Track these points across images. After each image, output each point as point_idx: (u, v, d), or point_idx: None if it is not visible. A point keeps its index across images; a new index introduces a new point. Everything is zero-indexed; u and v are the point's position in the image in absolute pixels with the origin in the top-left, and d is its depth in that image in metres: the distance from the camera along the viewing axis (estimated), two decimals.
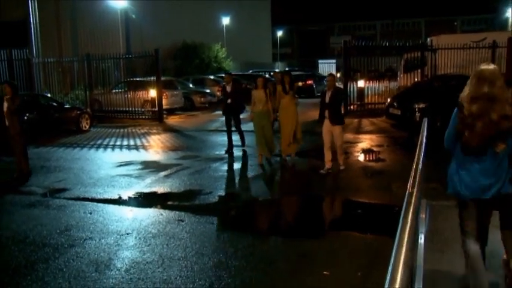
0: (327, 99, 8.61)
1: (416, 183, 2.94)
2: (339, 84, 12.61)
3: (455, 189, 3.73)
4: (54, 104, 16.07)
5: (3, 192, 8.22)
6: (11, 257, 5.22)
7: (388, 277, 1.48)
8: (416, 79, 18.83)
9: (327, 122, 8.63)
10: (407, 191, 2.57)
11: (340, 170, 8.72)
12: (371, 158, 10.35)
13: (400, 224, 1.96)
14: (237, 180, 8.45)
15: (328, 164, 8.69)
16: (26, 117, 9.94)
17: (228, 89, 11.08)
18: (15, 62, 20.58)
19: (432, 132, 6.64)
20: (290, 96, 9.81)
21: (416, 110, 13.33)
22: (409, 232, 1.86)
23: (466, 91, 3.59)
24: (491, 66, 3.57)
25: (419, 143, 4.99)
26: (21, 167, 9.13)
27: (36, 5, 23.88)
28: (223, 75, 11.68)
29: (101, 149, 12.49)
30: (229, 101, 10.95)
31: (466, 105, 3.53)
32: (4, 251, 5.45)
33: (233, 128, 11.17)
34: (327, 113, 8.62)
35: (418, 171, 3.33)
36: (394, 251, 1.67)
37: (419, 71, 19.01)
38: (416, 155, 4.00)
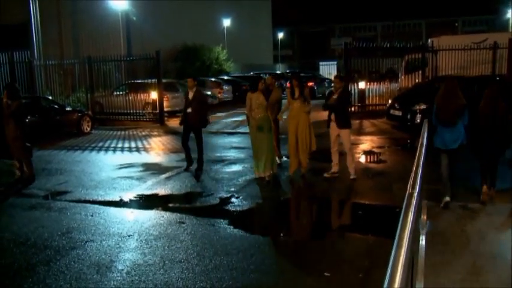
0: (334, 101, 8.39)
1: (417, 185, 2.95)
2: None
3: (438, 144, 6.63)
4: (56, 106, 16.08)
5: (5, 195, 8.25)
6: (12, 259, 5.24)
7: (387, 277, 1.49)
8: (417, 80, 18.84)
9: (333, 125, 8.43)
10: (407, 192, 2.58)
11: (351, 178, 8.38)
12: (372, 160, 10.35)
13: (400, 225, 1.97)
14: (238, 182, 8.44)
15: (334, 168, 8.63)
16: (27, 120, 9.90)
17: (190, 95, 9.46)
18: (17, 65, 20.67)
19: (433, 133, 6.65)
20: (300, 101, 8.46)
21: (418, 111, 13.33)
22: (408, 233, 1.87)
23: (440, 91, 6.76)
24: (452, 80, 6.85)
25: (419, 144, 4.99)
26: (23, 171, 9.13)
27: (37, 7, 23.95)
28: (188, 79, 9.78)
29: (102, 152, 12.50)
30: (189, 109, 9.39)
31: (441, 101, 6.61)
32: (6, 253, 5.46)
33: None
34: (333, 116, 8.44)
35: (419, 172, 3.34)
36: (393, 251, 1.68)
37: (420, 72, 19.02)
38: (417, 156, 4.01)
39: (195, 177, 9.07)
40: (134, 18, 27.47)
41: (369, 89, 19.56)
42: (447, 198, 6.48)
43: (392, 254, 1.65)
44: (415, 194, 2.58)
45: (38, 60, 21.67)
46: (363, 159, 10.40)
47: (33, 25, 23.87)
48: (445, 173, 6.62)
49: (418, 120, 12.74)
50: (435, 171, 6.58)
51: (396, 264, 1.56)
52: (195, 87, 9.51)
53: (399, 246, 1.71)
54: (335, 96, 8.42)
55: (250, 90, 8.78)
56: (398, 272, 1.51)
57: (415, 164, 3.73)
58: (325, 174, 8.60)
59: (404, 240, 1.78)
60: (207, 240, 5.65)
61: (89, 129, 16.35)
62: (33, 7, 23.96)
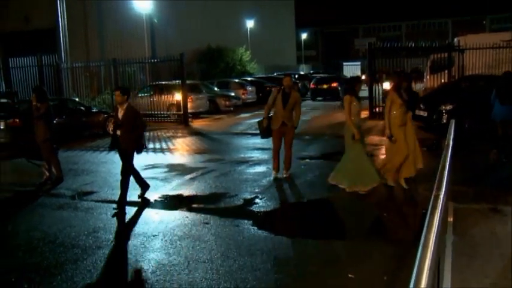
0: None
1: (443, 186, 2.91)
2: (364, 86, 12.34)
3: (495, 117, 9.50)
4: (82, 108, 16.36)
5: (35, 195, 8.43)
6: (42, 257, 5.36)
7: (412, 279, 1.47)
8: (443, 80, 18.53)
9: None
10: (432, 194, 2.55)
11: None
12: None
13: (425, 227, 1.95)
14: (262, 183, 8.45)
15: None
16: (54, 122, 10.09)
17: (120, 112, 7.40)
18: (45, 68, 21.17)
19: (460, 134, 6.55)
20: (405, 106, 7.61)
21: (444, 111, 13.11)
22: (435, 235, 1.85)
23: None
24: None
25: (446, 145, 4.92)
26: (51, 171, 9.30)
27: (65, 12, 24.46)
28: (115, 91, 7.70)
29: None
30: (118, 132, 7.42)
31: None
32: (36, 251, 5.59)
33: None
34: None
35: (445, 174, 3.29)
36: (419, 253, 1.66)
37: (446, 71, 18.71)
38: (443, 158, 3.95)
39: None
40: (155, 20, 27.66)
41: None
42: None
43: (418, 256, 1.63)
44: (441, 196, 2.55)
45: (65, 63, 22.13)
46: None
47: (60, 29, 24.39)
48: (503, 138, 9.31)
49: (445, 121, 12.53)
50: (461, 173, 6.49)
51: (422, 265, 1.55)
52: (125, 102, 7.45)
53: (425, 248, 1.70)
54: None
55: (349, 93, 7.70)
56: (424, 273, 1.49)
57: (440, 165, 3.68)
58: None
59: (430, 242, 1.76)
60: (231, 240, 5.67)
61: None
62: (61, 12, 24.47)
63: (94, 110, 16.86)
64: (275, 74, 34.78)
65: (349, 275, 4.61)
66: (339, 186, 7.66)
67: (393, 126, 7.59)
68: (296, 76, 34.62)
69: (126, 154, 7.47)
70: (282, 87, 8.58)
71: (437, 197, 2.47)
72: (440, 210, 2.24)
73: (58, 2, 24.31)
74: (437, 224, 2.03)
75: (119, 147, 7.49)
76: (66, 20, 24.53)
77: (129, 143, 7.40)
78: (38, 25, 24.80)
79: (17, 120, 13.21)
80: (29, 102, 11.62)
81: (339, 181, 7.72)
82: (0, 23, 28.97)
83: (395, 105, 7.61)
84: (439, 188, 2.76)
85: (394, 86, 7.87)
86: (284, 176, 8.74)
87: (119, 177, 9.30)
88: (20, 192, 8.78)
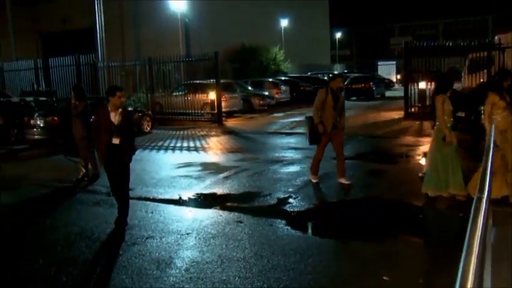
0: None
1: (485, 189, 2.81)
2: (399, 86, 12.13)
3: None
4: None
5: (73, 191, 8.63)
6: (79, 252, 5.47)
7: (457, 285, 1.42)
8: (481, 80, 18.02)
9: None
10: (475, 197, 2.47)
11: None
12: None
13: (469, 230, 1.88)
14: (295, 183, 8.40)
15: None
16: (91, 120, 10.30)
17: (116, 117, 6.16)
18: (83, 67, 21.71)
19: None
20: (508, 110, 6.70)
21: (483, 112, 12.73)
22: (479, 240, 1.79)
23: None
24: None
25: (486, 147, 4.77)
26: (88, 168, 9.50)
27: (102, 13, 25.02)
28: (117, 91, 6.24)
29: (162, 151, 12.82)
30: (116, 140, 6.12)
31: None
32: (73, 246, 5.71)
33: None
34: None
35: (487, 175, 3.18)
36: (463, 258, 1.60)
37: (485, 71, 18.18)
38: (484, 159, 3.83)
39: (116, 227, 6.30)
40: (187, 20, 27.90)
41: (429, 89, 18.95)
42: None
43: (462, 259, 1.57)
44: (484, 199, 2.46)
45: (101, 62, 22.62)
46: (423, 161, 10.08)
47: (97, 29, 24.97)
48: None
49: (483, 122, 12.17)
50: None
51: (467, 272, 1.49)
52: (123, 106, 6.47)
53: (469, 254, 1.63)
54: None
55: (442, 91, 7.18)
56: (469, 280, 1.44)
57: (482, 167, 3.57)
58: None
59: (475, 247, 1.70)
60: (264, 240, 5.66)
61: (149, 128, 16.82)
62: (98, 12, 25.05)
63: (129, 109, 17.12)
64: (309, 73, 34.60)
65: (384, 277, 4.54)
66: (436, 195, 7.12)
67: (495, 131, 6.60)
68: (330, 75, 34.36)
69: (125, 167, 6.30)
70: (330, 88, 8.12)
71: (480, 199, 2.38)
72: (484, 213, 2.17)
73: (95, 2, 24.88)
74: (481, 226, 1.96)
75: (115, 159, 6.19)
76: (103, 20, 25.09)
77: (130, 152, 6.34)
78: (76, 26, 25.55)
79: (56, 118, 13.58)
80: (67, 100, 11.90)
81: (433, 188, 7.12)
82: (41, 25, 29.97)
83: (497, 109, 6.84)
84: (481, 191, 2.67)
85: (493, 86, 7.10)
86: (347, 182, 8.20)
87: (154, 175, 9.52)
88: (58, 189, 9.00)
